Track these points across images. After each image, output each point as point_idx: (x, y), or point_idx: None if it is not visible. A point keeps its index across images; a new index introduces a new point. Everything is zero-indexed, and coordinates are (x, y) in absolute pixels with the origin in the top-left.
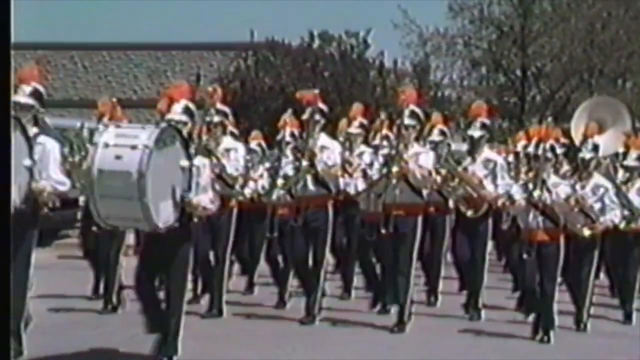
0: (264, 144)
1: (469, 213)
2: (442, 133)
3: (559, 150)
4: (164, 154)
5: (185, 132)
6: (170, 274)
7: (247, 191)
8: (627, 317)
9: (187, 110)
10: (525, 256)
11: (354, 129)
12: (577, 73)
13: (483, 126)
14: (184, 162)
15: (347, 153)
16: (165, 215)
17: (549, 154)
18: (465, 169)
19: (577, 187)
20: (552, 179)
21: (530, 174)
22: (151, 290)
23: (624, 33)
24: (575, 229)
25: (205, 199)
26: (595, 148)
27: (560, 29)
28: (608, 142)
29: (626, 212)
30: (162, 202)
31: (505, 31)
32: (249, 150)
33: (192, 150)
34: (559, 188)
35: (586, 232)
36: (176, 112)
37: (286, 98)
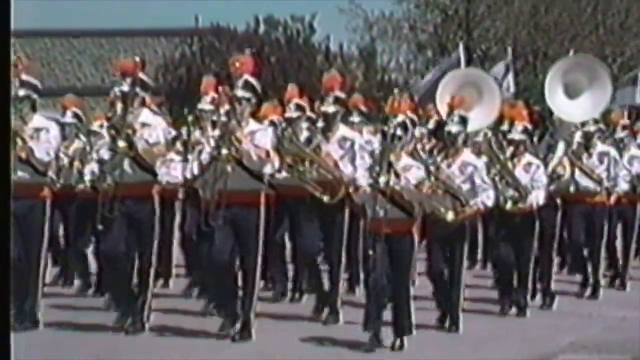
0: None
1: (325, 199)
2: (299, 108)
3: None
4: None
5: None
6: None
7: (87, 178)
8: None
9: None
10: (370, 252)
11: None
12: (522, 56)
13: (336, 100)
14: None
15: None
16: None
17: (399, 132)
18: (317, 148)
19: (443, 165)
20: (403, 161)
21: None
22: None
23: (567, 15)
24: (438, 214)
25: None
26: (463, 121)
27: (505, 13)
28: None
29: (511, 192)
30: None
31: (450, 15)
32: (63, 127)
33: None
34: (410, 172)
35: (450, 216)
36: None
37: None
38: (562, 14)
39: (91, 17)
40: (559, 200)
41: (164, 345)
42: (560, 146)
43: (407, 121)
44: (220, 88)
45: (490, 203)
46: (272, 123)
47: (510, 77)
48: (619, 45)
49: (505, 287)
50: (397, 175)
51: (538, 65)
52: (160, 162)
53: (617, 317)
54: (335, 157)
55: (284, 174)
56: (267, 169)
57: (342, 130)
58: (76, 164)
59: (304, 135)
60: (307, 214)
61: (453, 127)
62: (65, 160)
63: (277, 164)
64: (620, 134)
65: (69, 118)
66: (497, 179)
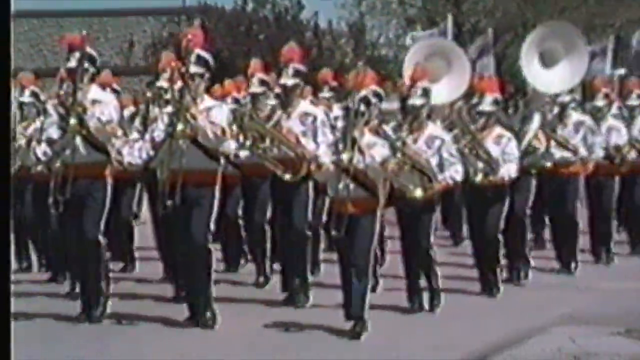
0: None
1: (287, 177)
2: (263, 83)
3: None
4: None
5: None
6: None
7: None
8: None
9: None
10: (334, 233)
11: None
12: (511, 29)
13: (296, 73)
14: None
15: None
16: None
17: (362, 107)
18: (277, 124)
19: (409, 140)
20: (367, 138)
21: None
22: None
23: None
24: (406, 190)
25: None
26: (426, 92)
27: None
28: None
29: (481, 165)
30: None
31: None
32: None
33: None
34: (375, 149)
35: (418, 192)
36: None
37: (221, 62)
38: None
39: None
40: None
41: (121, 333)
42: (536, 117)
43: (371, 96)
44: (173, 64)
45: (459, 177)
46: (235, 99)
47: (491, 57)
48: (610, 16)
49: (485, 262)
50: (361, 153)
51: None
52: (123, 142)
53: (609, 289)
54: (296, 132)
55: (246, 152)
56: (228, 147)
57: (303, 105)
58: (33, 144)
59: (266, 111)
60: (295, 192)
61: (416, 100)
62: (23, 141)
63: (232, 142)
64: (599, 102)
65: (26, 97)
66: (467, 151)
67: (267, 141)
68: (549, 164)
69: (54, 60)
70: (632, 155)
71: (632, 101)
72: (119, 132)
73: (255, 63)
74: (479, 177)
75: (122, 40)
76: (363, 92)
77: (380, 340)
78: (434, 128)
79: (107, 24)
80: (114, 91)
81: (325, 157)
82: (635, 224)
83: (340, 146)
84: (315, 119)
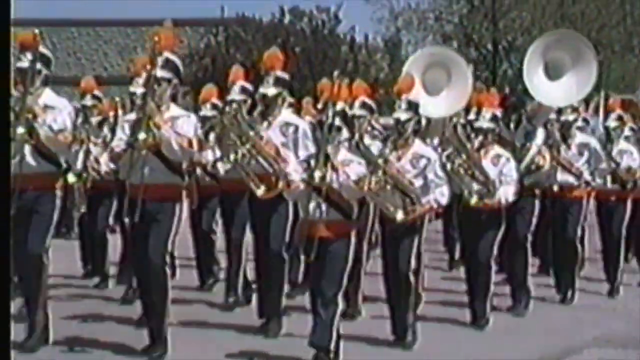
0: None
1: (259, 192)
2: (244, 91)
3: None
4: None
5: None
6: None
7: None
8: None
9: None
10: (303, 258)
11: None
12: None
13: (277, 81)
14: None
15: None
16: None
17: (337, 121)
18: (257, 135)
19: (392, 158)
20: (342, 154)
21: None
22: None
23: (594, 6)
24: (387, 212)
25: None
26: (411, 106)
27: (531, 3)
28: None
29: (477, 186)
30: None
31: (476, 5)
32: None
33: None
34: (350, 166)
35: (399, 215)
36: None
37: (257, 74)
38: (589, 4)
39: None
40: (537, 192)
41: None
42: (539, 133)
43: (348, 109)
44: (148, 67)
45: (444, 200)
46: (215, 107)
47: None
48: None
49: (478, 290)
50: (335, 170)
51: None
52: (101, 150)
53: None
54: (276, 143)
55: (227, 166)
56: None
57: (285, 114)
58: None
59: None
60: (273, 211)
61: (401, 114)
62: None
63: (210, 153)
64: (612, 123)
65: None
66: (462, 171)
67: (245, 149)
68: (555, 186)
69: (92, 70)
70: None
71: None
72: (70, 140)
73: (236, 70)
74: (474, 199)
75: None
76: (339, 106)
77: None
78: (420, 146)
79: (144, 34)
80: (95, 98)
81: (296, 174)
82: None
83: (313, 163)
84: (296, 129)
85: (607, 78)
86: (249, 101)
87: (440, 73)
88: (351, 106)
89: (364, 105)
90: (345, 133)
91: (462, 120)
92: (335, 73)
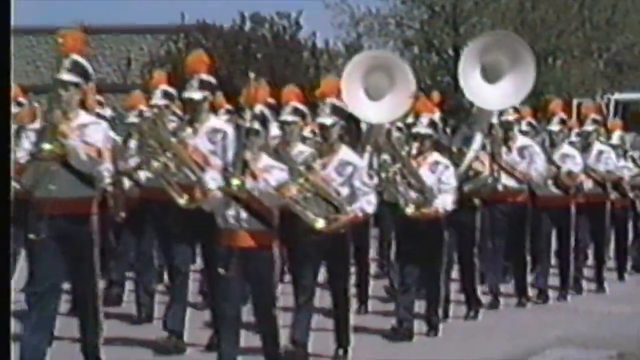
0: None
1: (181, 201)
2: (166, 95)
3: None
4: None
5: None
6: None
7: None
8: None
9: None
10: (220, 271)
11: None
12: None
13: (202, 85)
14: None
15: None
16: None
17: (256, 125)
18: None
19: (316, 165)
20: (263, 161)
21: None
22: None
23: (553, 12)
24: (307, 221)
25: None
26: (336, 111)
27: (492, 9)
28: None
29: (414, 194)
30: None
31: (437, 11)
32: None
33: None
34: (271, 172)
35: (320, 223)
36: None
37: (219, 81)
38: (549, 11)
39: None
40: (477, 201)
41: None
42: (477, 138)
43: (266, 112)
44: None
45: (371, 209)
46: (140, 113)
47: None
48: (605, 41)
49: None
50: (254, 177)
51: None
52: None
53: (603, 312)
54: (203, 151)
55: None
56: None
57: (213, 120)
58: None
59: (170, 126)
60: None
61: (325, 119)
62: None
63: (110, 165)
64: (554, 126)
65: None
66: (398, 178)
67: (166, 157)
68: (500, 188)
69: (51, 78)
70: (589, 185)
71: (588, 127)
72: None
73: (159, 75)
74: (410, 209)
75: (119, 58)
76: (258, 109)
77: None
78: (346, 152)
79: (104, 42)
80: (19, 105)
81: (213, 182)
82: None
83: (230, 169)
84: (225, 135)
85: (567, 83)
86: (172, 106)
87: (382, 77)
88: (280, 112)
89: (295, 110)
90: (263, 138)
91: (399, 124)
92: (252, 75)
